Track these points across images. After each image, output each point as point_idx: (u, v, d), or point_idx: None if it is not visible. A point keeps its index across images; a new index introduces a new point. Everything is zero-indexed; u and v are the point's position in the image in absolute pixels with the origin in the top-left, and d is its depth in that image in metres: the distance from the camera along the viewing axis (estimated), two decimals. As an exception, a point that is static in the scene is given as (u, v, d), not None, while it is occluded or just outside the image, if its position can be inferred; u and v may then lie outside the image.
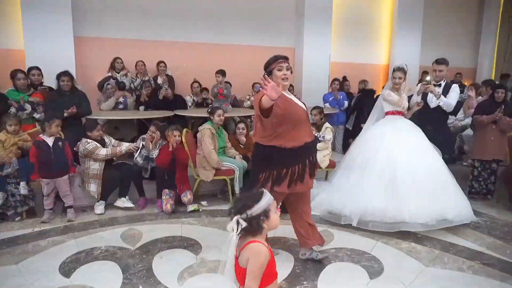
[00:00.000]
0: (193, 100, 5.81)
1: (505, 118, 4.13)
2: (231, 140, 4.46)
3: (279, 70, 2.47)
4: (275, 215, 1.49)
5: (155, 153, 3.98)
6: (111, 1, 5.99)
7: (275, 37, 7.06)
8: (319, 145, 4.39)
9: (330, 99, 6.26)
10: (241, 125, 4.44)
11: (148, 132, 4.09)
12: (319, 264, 2.86)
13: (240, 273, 1.46)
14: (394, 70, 3.89)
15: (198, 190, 4.34)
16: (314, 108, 4.69)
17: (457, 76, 7.68)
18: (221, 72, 5.21)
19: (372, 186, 3.45)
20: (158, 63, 5.92)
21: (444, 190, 3.44)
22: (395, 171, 3.44)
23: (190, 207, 3.96)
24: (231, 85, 5.71)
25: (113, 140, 4.16)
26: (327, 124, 4.72)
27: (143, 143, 4.03)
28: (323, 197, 3.86)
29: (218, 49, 6.66)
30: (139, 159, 4.03)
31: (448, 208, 3.37)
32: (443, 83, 3.98)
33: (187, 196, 3.93)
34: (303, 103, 2.70)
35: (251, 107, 6.09)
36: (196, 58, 6.48)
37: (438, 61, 3.91)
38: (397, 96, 3.80)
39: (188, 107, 5.67)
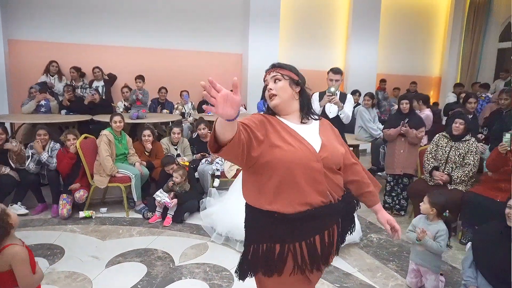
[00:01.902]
0: (124, 105, 5.74)
1: (412, 130, 3.95)
2: (137, 146, 4.37)
3: (266, 83, 1.57)
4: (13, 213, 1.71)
5: (44, 157, 3.90)
6: (45, 4, 5.94)
7: (223, 42, 6.95)
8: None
9: (264, 107, 6.11)
10: (147, 132, 4.34)
11: (36, 136, 4.02)
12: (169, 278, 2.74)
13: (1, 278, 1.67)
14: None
15: (93, 197, 4.25)
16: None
17: (411, 86, 7.49)
18: (141, 78, 5.14)
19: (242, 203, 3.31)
20: (93, 69, 5.88)
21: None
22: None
23: (82, 214, 3.89)
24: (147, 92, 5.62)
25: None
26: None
27: (32, 151, 3.96)
28: (212, 210, 3.74)
29: (160, 54, 6.58)
30: (31, 166, 3.96)
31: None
32: (338, 93, 3.82)
33: (79, 193, 3.87)
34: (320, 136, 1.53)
35: (182, 115, 6.01)
36: (138, 63, 6.40)
37: (334, 71, 3.75)
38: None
39: (120, 112, 5.60)
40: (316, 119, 1.60)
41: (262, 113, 1.54)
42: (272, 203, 1.39)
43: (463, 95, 5.64)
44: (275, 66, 1.58)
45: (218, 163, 4.34)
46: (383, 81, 7.62)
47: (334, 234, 1.51)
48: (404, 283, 2.82)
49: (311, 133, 1.50)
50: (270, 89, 1.52)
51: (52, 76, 5.81)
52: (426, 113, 4.71)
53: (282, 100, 1.51)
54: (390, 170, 4.16)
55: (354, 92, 6.53)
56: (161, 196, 3.79)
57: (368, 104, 5.40)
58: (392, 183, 4.23)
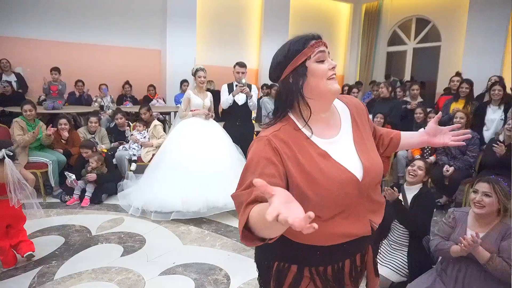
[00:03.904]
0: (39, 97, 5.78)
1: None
2: (53, 135, 4.54)
3: (320, 61, 1.08)
4: None
5: None
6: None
7: (142, 38, 7.24)
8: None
9: (181, 99, 6.57)
10: (63, 121, 4.54)
11: None
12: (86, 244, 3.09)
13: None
14: (197, 70, 4.23)
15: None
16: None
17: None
18: (57, 70, 5.29)
19: (157, 180, 3.78)
20: (0, 60, 5.79)
21: (225, 180, 3.81)
22: (179, 166, 3.79)
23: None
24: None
25: None
26: (156, 122, 5.00)
27: None
28: (129, 190, 4.11)
29: (78, 49, 6.67)
30: None
31: (227, 196, 3.76)
32: (244, 81, 4.43)
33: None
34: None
35: (101, 107, 6.21)
36: (54, 56, 6.43)
37: (240, 64, 4.36)
38: (199, 98, 4.18)
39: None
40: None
41: (270, 132, 1.08)
42: (297, 236, 1.08)
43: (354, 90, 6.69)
44: (320, 38, 1.11)
45: (134, 148, 4.69)
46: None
47: (369, 255, 1.22)
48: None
49: (347, 148, 1.13)
50: (334, 67, 1.10)
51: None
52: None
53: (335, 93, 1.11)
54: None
55: (272, 86, 7.22)
56: (70, 174, 4.05)
57: (272, 95, 6.16)
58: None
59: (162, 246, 3.16)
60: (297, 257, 1.12)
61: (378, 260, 2.69)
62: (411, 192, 2.67)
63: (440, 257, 2.33)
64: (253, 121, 6.94)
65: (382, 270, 2.61)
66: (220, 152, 4.01)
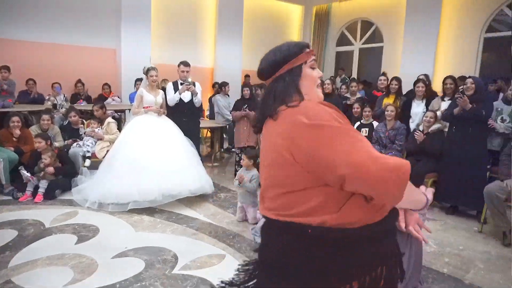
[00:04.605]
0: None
1: (252, 112, 5.07)
2: (4, 133, 4.56)
3: (312, 68, 1.26)
4: None
5: None
6: None
7: (96, 37, 7.26)
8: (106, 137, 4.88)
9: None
10: (15, 118, 4.57)
11: None
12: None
13: None
14: (150, 69, 4.44)
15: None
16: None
17: (246, 79, 8.85)
18: (6, 68, 5.27)
19: (113, 175, 3.96)
20: None
21: (178, 170, 4.08)
22: (133, 160, 3.99)
23: None
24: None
25: None
26: (109, 119, 5.14)
27: None
28: (84, 186, 4.25)
29: (31, 47, 6.60)
30: None
31: (180, 184, 4.02)
32: (190, 80, 4.71)
33: None
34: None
35: (54, 106, 6.22)
36: (5, 55, 6.30)
37: (185, 63, 4.62)
38: (151, 95, 4.39)
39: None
40: None
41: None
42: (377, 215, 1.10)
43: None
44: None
45: (88, 145, 4.81)
46: (247, 76, 8.83)
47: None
48: (235, 219, 3.82)
49: None
50: (321, 76, 1.30)
51: None
52: (266, 99, 5.95)
53: None
54: (238, 143, 5.22)
55: (224, 84, 7.46)
56: (24, 171, 4.13)
57: (224, 92, 6.46)
58: (240, 155, 5.29)
59: (115, 234, 3.37)
60: (385, 254, 1.10)
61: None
62: None
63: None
64: (206, 118, 7.23)
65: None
66: (172, 144, 4.25)
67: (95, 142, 4.90)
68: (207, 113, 7.52)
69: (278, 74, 1.23)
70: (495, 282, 2.75)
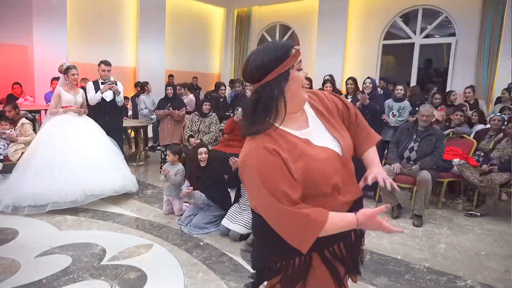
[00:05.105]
0: None
1: (175, 111, 5.25)
2: None
3: (300, 69, 1.23)
4: None
5: None
6: None
7: (7, 34, 6.75)
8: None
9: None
10: None
11: None
12: None
13: None
14: (70, 68, 4.37)
15: None
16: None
17: (193, 79, 9.05)
18: None
19: (29, 177, 3.86)
20: None
21: (100, 169, 4.10)
22: (52, 161, 3.94)
23: None
24: None
25: None
26: (24, 120, 4.91)
27: None
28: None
29: None
30: None
31: (103, 184, 4.05)
32: (112, 79, 4.74)
33: None
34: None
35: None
36: None
37: (106, 63, 4.65)
38: (70, 94, 4.33)
39: None
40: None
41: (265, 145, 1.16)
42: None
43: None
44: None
45: (0, 147, 4.56)
46: (171, 76, 8.88)
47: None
48: (162, 212, 3.98)
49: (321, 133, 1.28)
50: (306, 75, 1.26)
51: None
52: (190, 97, 6.16)
53: None
54: (162, 141, 5.35)
55: (145, 84, 7.45)
56: None
57: (147, 91, 6.53)
58: (165, 152, 5.43)
59: (37, 235, 3.33)
60: (316, 243, 1.15)
61: (229, 220, 3.40)
62: None
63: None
64: (129, 118, 7.18)
65: (234, 227, 3.32)
66: (94, 144, 4.26)
67: (8, 145, 4.66)
68: (130, 112, 7.44)
69: (265, 80, 1.16)
70: (382, 246, 3.34)
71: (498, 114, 4.63)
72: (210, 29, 10.70)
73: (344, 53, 8.60)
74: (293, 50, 1.18)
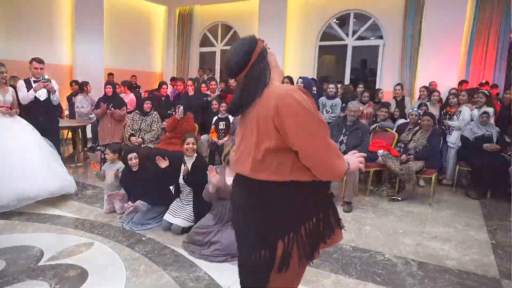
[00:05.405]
0: None
1: (116, 110, 5.20)
2: None
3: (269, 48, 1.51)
4: None
5: None
6: None
7: None
8: None
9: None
10: None
11: None
12: None
13: None
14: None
15: None
16: None
17: (132, 78, 8.89)
18: None
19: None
20: None
21: (35, 172, 3.97)
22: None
23: None
24: None
25: None
26: None
27: None
28: None
29: None
30: None
31: (38, 186, 3.93)
32: (46, 77, 4.57)
33: None
34: None
35: None
36: None
37: (38, 60, 4.48)
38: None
39: None
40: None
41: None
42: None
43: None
44: None
45: None
46: (110, 74, 8.65)
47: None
48: (103, 211, 3.96)
49: None
50: None
51: None
52: (130, 97, 6.11)
53: None
54: (102, 141, 5.27)
55: (85, 84, 7.17)
56: None
57: (86, 91, 6.35)
58: (105, 152, 5.34)
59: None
60: (318, 205, 1.41)
61: (171, 215, 3.50)
62: (190, 161, 3.57)
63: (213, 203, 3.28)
64: (66, 118, 6.92)
65: (176, 220, 3.43)
66: (27, 145, 4.10)
67: None
68: (66, 112, 7.16)
69: (250, 63, 1.38)
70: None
71: (416, 109, 5.19)
72: (151, 27, 10.55)
73: (284, 53, 8.97)
74: (256, 36, 1.44)
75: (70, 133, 6.95)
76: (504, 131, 5.06)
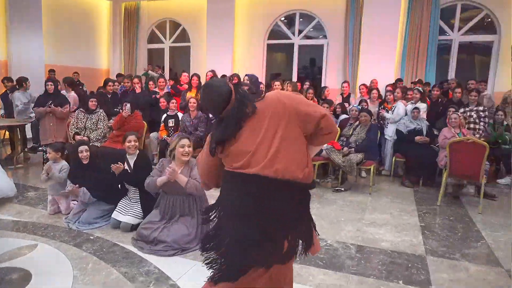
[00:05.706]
0: None
1: (58, 108, 5.00)
2: None
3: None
4: None
5: None
6: None
7: None
8: None
9: None
10: None
11: None
12: None
13: None
14: None
15: None
16: None
17: (74, 75, 8.52)
18: None
19: None
20: None
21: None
22: None
23: None
24: None
25: None
26: None
27: None
28: None
29: None
30: None
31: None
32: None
33: None
34: None
35: None
36: None
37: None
38: None
39: None
40: None
41: None
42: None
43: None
44: None
45: None
46: (52, 71, 8.21)
47: None
48: (46, 213, 3.82)
49: None
50: None
51: None
52: (73, 94, 5.90)
53: None
54: (44, 141, 5.05)
55: (24, 80, 6.74)
56: None
57: (24, 88, 6.02)
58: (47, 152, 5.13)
59: None
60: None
61: (119, 213, 3.48)
62: (132, 159, 3.57)
63: (159, 197, 3.31)
64: (2, 117, 6.51)
65: (125, 218, 3.42)
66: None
67: None
68: (1, 111, 6.71)
69: (232, 96, 1.58)
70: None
71: (356, 105, 5.55)
72: (95, 22, 10.17)
73: (233, 52, 9.07)
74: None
75: (7, 133, 6.53)
76: (432, 124, 5.57)
